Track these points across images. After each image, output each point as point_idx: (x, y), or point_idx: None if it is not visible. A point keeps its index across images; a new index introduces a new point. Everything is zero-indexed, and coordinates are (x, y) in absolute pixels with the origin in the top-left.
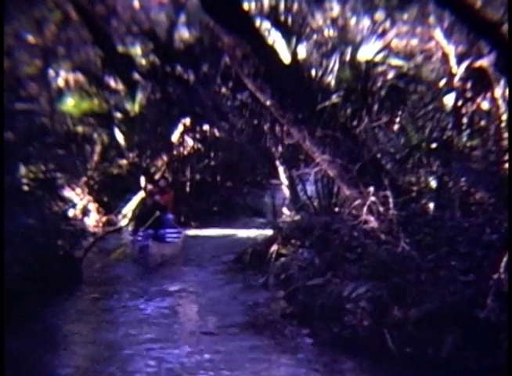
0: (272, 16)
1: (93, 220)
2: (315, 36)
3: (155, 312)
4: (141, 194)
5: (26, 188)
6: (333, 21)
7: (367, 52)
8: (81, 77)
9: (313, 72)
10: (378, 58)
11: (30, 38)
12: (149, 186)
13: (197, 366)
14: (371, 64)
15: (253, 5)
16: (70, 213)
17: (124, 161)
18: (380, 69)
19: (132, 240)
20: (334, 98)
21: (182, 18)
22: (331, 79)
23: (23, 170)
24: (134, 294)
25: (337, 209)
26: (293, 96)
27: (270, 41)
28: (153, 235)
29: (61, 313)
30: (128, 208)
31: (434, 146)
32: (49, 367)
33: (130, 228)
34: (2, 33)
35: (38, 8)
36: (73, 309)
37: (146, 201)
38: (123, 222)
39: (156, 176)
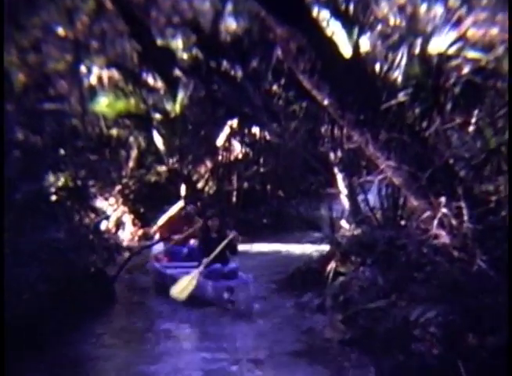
0: (331, 4)
1: (128, 233)
2: (379, 26)
3: (198, 338)
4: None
5: (54, 198)
6: (401, 8)
7: (439, 44)
8: (115, 73)
9: (377, 67)
10: (452, 50)
11: (60, 31)
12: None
13: None
14: (444, 57)
15: None
16: (103, 226)
17: (163, 168)
18: (454, 63)
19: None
20: (401, 96)
21: (229, 7)
22: (398, 75)
23: (51, 178)
24: (174, 318)
25: (403, 222)
26: (355, 95)
27: (329, 32)
28: (222, 272)
29: (91, 338)
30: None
31: None
32: None
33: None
34: (3, 27)
35: None
36: (105, 333)
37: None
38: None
39: (199, 185)
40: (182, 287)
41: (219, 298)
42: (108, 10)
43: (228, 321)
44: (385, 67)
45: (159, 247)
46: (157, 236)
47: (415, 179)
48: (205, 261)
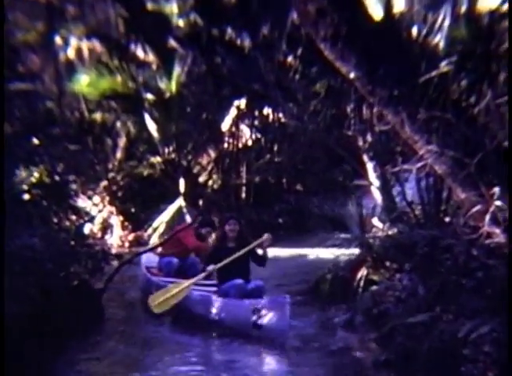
0: None
1: (117, 238)
2: None
3: (202, 362)
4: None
5: (27, 196)
6: None
7: (491, 0)
8: (98, 45)
9: (414, 31)
10: (506, 6)
11: None
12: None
13: None
14: (496, 16)
15: None
16: (87, 229)
17: (157, 159)
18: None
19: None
20: (444, 65)
21: None
22: (440, 40)
23: (22, 172)
24: (178, 343)
25: (447, 219)
26: (387, 65)
27: None
28: (244, 289)
29: (75, 365)
30: (160, 221)
31: None
32: None
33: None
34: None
35: None
36: (92, 359)
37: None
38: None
39: (201, 179)
40: (163, 299)
41: (242, 321)
42: None
43: (237, 345)
44: (424, 31)
45: (152, 259)
46: (152, 241)
47: (462, 167)
48: (210, 268)
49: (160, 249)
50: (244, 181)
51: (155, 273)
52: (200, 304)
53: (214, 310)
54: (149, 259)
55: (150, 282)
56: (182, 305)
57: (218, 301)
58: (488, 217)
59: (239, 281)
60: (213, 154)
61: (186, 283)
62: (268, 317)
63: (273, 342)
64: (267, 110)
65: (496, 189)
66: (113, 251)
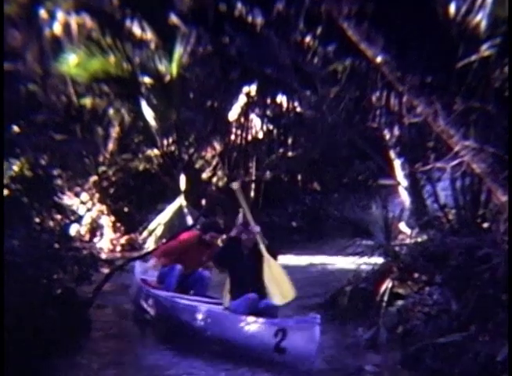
0: None
1: (107, 241)
2: None
3: None
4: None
5: (6, 192)
6: None
7: None
8: (88, 20)
9: (452, 8)
10: None
11: None
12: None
13: None
14: None
15: None
16: (73, 231)
17: (154, 151)
18: None
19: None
20: (485, 49)
21: None
22: (481, 19)
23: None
24: (171, 355)
25: (486, 225)
26: (419, 48)
27: None
28: (255, 307)
29: None
30: (157, 223)
31: None
32: None
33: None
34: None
35: None
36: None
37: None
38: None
39: (204, 175)
40: (283, 289)
41: (261, 343)
42: None
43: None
44: (463, 8)
45: (149, 269)
46: (147, 246)
47: (503, 165)
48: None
49: (162, 260)
50: (254, 178)
51: (154, 286)
52: (211, 321)
53: (227, 328)
54: (144, 269)
55: (143, 293)
56: (191, 325)
57: (232, 317)
58: None
59: (253, 296)
60: (218, 147)
61: (264, 254)
62: (293, 339)
63: (297, 368)
64: (280, 98)
65: None
66: (103, 255)
